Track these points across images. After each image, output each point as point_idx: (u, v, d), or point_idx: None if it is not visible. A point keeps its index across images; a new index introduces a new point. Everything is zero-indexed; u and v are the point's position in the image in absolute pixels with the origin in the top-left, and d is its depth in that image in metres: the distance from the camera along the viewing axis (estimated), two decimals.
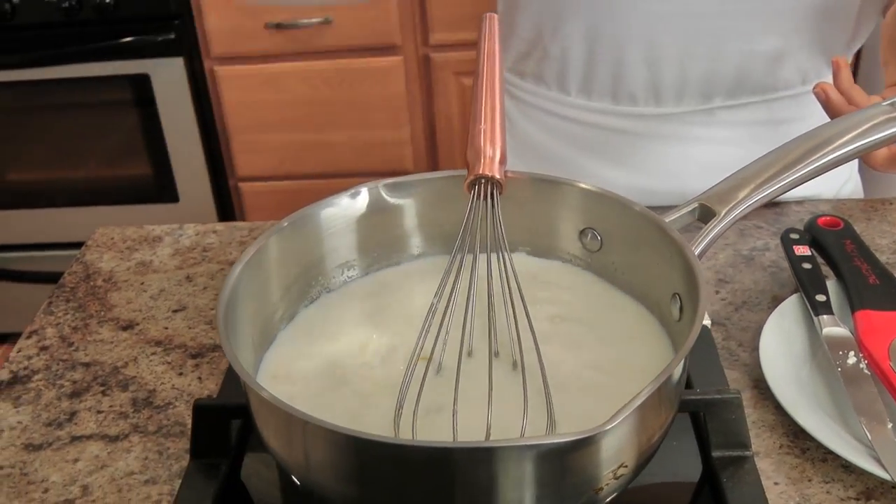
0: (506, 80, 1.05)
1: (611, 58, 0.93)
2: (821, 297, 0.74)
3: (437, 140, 2.34)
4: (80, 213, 2.27)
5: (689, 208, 0.61)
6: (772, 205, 0.94)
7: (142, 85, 2.13)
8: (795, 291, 0.78)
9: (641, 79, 0.93)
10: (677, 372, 0.49)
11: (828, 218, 0.82)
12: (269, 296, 0.61)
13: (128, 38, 2.05)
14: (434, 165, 2.26)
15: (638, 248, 0.60)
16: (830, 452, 0.63)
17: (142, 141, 2.23)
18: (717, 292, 0.82)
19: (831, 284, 0.77)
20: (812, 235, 0.81)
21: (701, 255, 0.57)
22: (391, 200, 0.65)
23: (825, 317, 0.73)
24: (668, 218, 0.60)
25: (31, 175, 2.33)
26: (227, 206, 2.30)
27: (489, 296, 0.55)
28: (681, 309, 0.56)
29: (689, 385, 0.68)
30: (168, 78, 2.12)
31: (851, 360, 0.69)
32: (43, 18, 2.03)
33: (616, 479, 0.46)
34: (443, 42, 2.19)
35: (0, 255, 2.36)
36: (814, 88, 0.82)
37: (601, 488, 0.46)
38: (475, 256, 0.56)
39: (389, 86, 2.19)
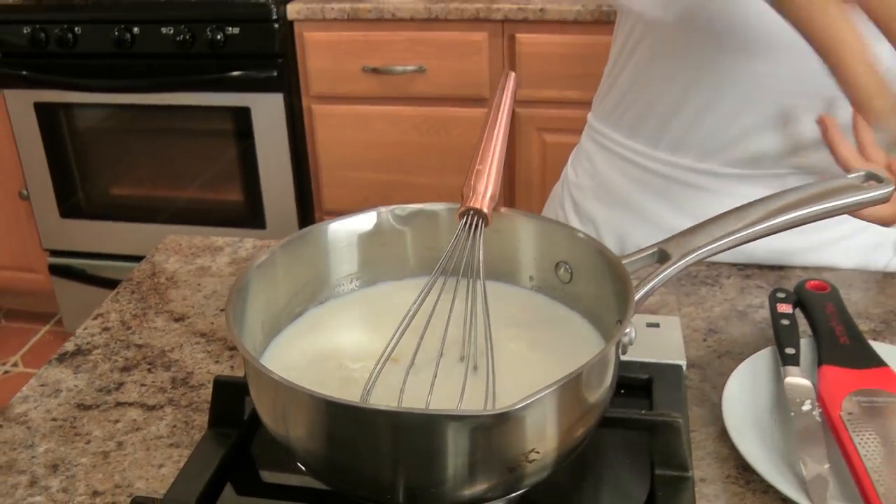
0: (595, 129, 1.08)
1: (719, 125, 0.94)
2: (790, 350, 0.81)
3: (516, 190, 2.44)
4: (173, 230, 2.43)
5: (651, 251, 0.69)
6: (777, 268, 1.01)
7: (243, 117, 2.28)
8: None
9: (752, 146, 0.94)
10: (597, 378, 0.58)
11: (816, 282, 0.88)
12: (280, 292, 0.72)
13: (234, 73, 2.22)
14: None
15: (598, 281, 0.69)
16: (773, 486, 0.70)
17: (237, 169, 2.38)
18: (705, 340, 0.89)
19: (807, 342, 0.83)
20: (799, 296, 0.88)
21: (648, 293, 0.65)
22: (396, 224, 0.75)
23: (791, 367, 0.79)
24: (630, 259, 0.68)
25: (134, 191, 2.51)
26: None
27: (453, 308, 0.65)
28: None
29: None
30: (267, 112, 2.27)
31: (807, 406, 0.75)
32: (158, 49, 2.22)
33: (529, 462, 0.54)
34: (529, 98, 2.29)
35: (97, 262, 2.54)
36: (817, 119, 0.87)
37: (514, 468, 0.54)
38: (456, 277, 0.66)
39: (476, 135, 2.29)
